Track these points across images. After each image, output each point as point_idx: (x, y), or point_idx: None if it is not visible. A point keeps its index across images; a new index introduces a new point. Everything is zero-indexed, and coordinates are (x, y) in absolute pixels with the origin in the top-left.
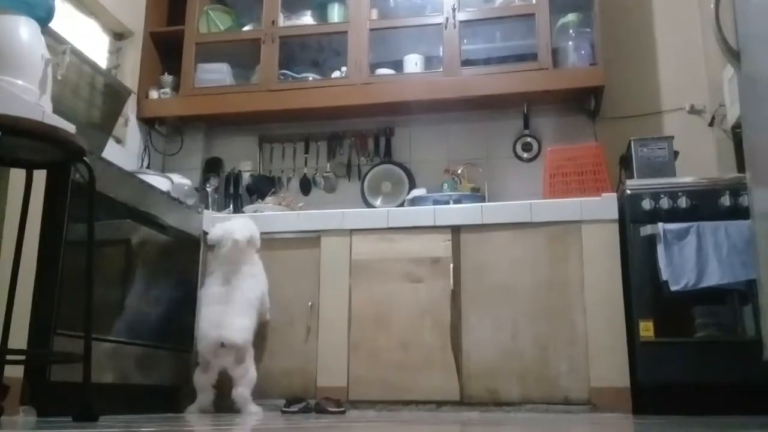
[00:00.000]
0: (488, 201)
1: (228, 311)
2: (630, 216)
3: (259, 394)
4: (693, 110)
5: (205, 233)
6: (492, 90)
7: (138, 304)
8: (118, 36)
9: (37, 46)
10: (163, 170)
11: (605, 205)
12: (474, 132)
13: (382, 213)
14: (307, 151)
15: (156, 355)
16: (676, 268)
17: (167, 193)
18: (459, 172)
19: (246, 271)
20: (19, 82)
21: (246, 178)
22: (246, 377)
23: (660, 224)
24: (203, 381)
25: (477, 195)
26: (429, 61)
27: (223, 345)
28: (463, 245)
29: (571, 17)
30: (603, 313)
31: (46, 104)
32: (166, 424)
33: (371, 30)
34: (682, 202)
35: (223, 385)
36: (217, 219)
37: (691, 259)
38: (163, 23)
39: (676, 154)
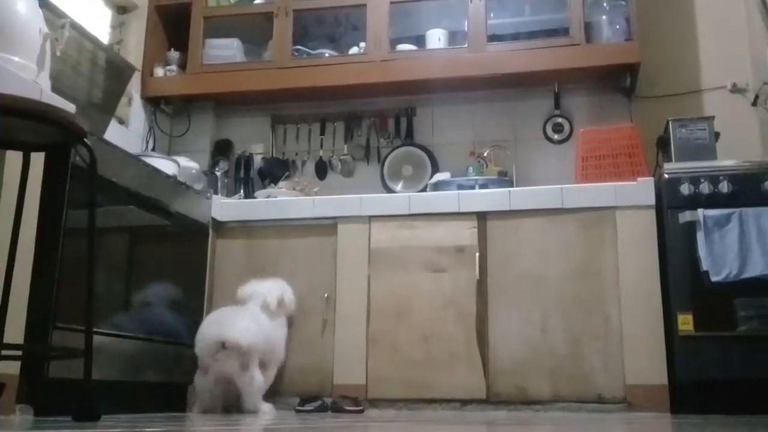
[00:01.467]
0: (516, 186)
1: (234, 313)
2: (668, 202)
3: (272, 392)
4: (735, 89)
5: (214, 220)
6: (520, 67)
7: (142, 295)
8: (121, 9)
9: (35, 20)
10: (169, 153)
11: (641, 190)
12: (501, 112)
13: (403, 198)
14: (322, 133)
15: (162, 351)
16: (717, 257)
17: (173, 177)
18: (485, 154)
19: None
20: (16, 58)
21: (258, 161)
22: (252, 385)
23: (700, 210)
24: (203, 384)
25: (504, 179)
26: (453, 37)
27: (224, 346)
28: (490, 233)
29: None
30: (639, 305)
31: (45, 82)
32: (172, 424)
33: (391, 3)
34: (724, 186)
35: (228, 393)
36: (226, 204)
37: (734, 248)
38: None
39: (717, 135)
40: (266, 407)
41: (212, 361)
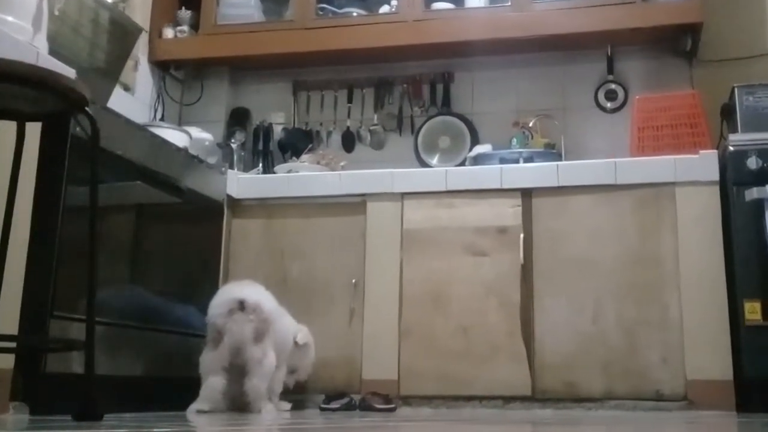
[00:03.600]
0: (565, 159)
1: (254, 283)
2: (733, 177)
3: (294, 388)
4: None
5: (230, 197)
6: (569, 28)
7: (150, 281)
8: None
9: None
10: (180, 123)
11: (704, 164)
12: (548, 78)
13: (440, 173)
14: (350, 101)
15: (171, 342)
16: None
17: (184, 150)
18: (530, 125)
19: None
20: (9, 18)
21: (278, 132)
22: (263, 364)
23: None
24: (211, 361)
25: (552, 152)
26: None
27: (242, 307)
28: (536, 212)
29: None
30: (701, 292)
31: (41, 44)
32: (181, 424)
33: None
34: None
35: (237, 381)
36: (243, 180)
37: None
38: None
39: None
40: (269, 407)
41: (227, 322)
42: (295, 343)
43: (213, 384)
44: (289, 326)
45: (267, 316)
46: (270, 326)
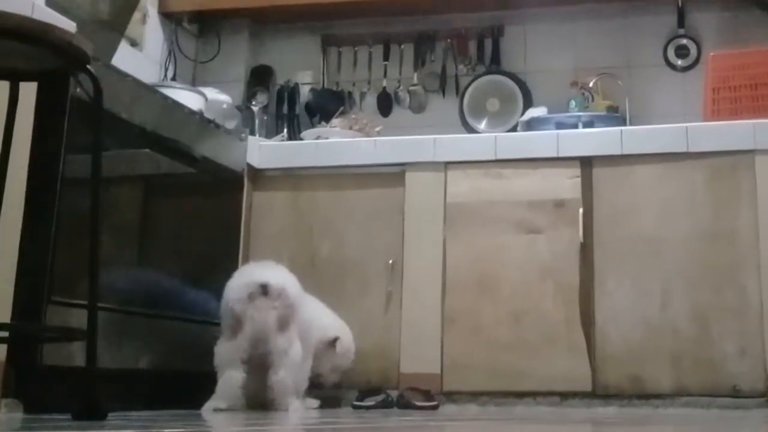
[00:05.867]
0: (630, 124)
1: (275, 264)
2: None
3: (321, 383)
4: None
5: (251, 167)
6: None
7: (160, 262)
8: None
9: None
10: (194, 83)
11: None
12: (611, 32)
13: (488, 140)
14: (386, 58)
15: (184, 331)
16: None
17: (199, 114)
18: (591, 85)
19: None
20: None
21: (305, 93)
22: (289, 355)
23: None
24: (228, 352)
25: (615, 116)
26: None
27: (264, 291)
28: (596, 183)
29: None
30: None
31: None
32: (195, 424)
33: None
34: None
35: (259, 376)
36: (266, 148)
37: None
38: None
39: None
40: (296, 404)
41: (248, 308)
42: (333, 343)
43: (231, 379)
44: (316, 315)
45: (292, 302)
46: (295, 313)
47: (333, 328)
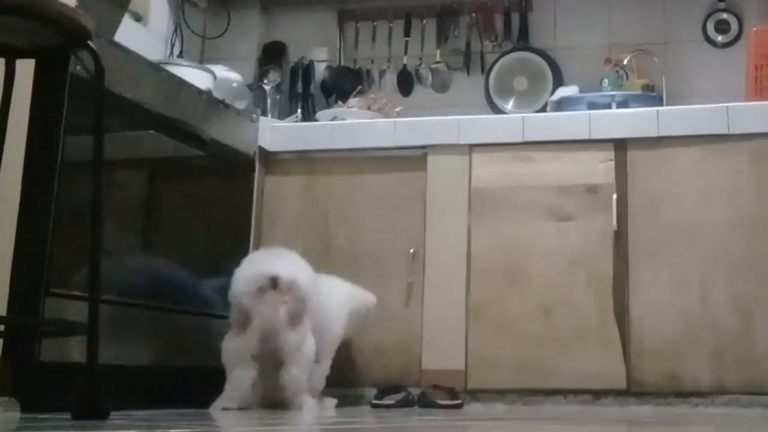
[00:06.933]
0: (667, 104)
1: (286, 253)
2: None
3: (340, 379)
4: None
5: (263, 149)
6: None
7: (166, 251)
8: None
9: None
10: (202, 60)
11: None
12: (647, 5)
13: (516, 121)
14: (407, 33)
15: (191, 325)
16: None
17: (208, 93)
18: (625, 62)
19: None
20: None
21: (320, 71)
22: (302, 351)
23: None
24: (237, 348)
25: (651, 95)
26: None
27: (274, 284)
28: (631, 167)
29: None
30: None
31: None
32: (203, 422)
33: None
34: None
35: (270, 373)
36: (278, 129)
37: None
38: None
39: None
40: (310, 402)
41: (257, 303)
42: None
43: (240, 377)
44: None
45: (304, 294)
46: (308, 306)
47: (362, 294)
